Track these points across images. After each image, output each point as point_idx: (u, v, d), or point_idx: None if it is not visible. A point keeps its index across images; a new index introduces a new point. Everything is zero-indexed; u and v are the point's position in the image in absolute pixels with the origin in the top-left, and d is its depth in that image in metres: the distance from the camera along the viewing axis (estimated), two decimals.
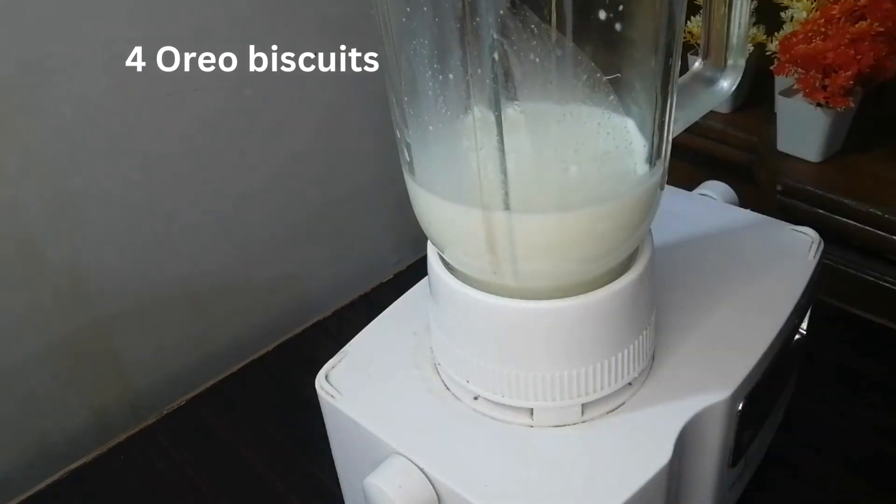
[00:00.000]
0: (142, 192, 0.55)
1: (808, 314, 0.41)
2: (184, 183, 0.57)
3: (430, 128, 0.28)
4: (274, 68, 0.59)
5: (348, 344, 0.37)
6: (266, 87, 0.59)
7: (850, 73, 0.63)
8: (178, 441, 0.51)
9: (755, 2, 0.57)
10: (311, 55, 0.61)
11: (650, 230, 0.32)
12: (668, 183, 0.32)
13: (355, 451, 0.35)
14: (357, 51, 0.64)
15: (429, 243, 0.33)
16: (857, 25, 0.64)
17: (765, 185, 0.73)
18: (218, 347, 0.63)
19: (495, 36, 0.24)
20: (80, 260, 0.53)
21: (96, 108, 0.50)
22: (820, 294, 0.42)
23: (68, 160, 0.50)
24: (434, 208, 0.29)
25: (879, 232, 0.64)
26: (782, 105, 0.71)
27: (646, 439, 0.31)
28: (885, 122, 0.75)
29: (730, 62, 0.35)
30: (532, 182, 0.26)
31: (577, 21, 0.24)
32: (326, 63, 0.62)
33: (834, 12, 0.65)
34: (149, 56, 0.52)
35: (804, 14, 0.69)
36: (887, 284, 0.66)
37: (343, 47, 0.63)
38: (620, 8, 0.24)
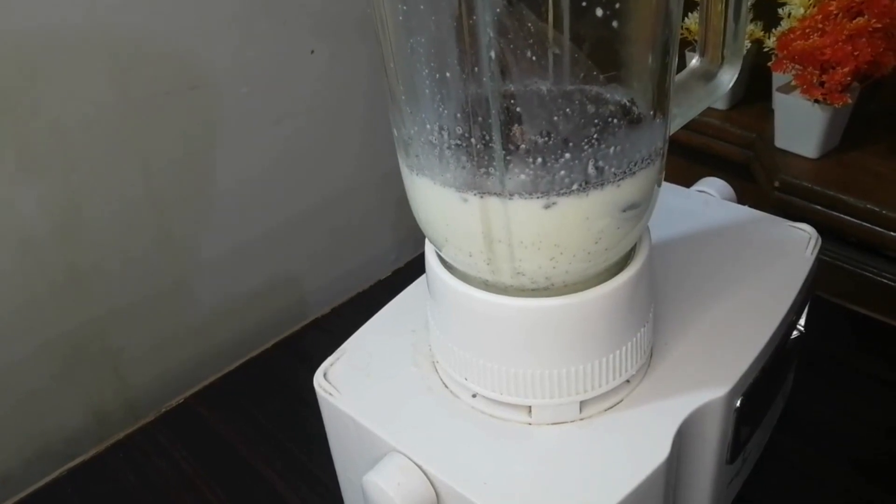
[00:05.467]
0: (139, 190, 0.55)
1: (805, 310, 0.41)
2: (180, 180, 0.57)
3: (428, 125, 0.28)
4: (271, 66, 0.59)
5: (347, 342, 0.37)
6: (263, 84, 0.59)
7: (847, 69, 0.63)
8: (177, 439, 0.51)
9: None
10: (308, 52, 0.61)
11: (648, 227, 0.32)
12: (665, 179, 0.32)
13: (354, 448, 0.35)
14: (353, 48, 0.64)
15: (426, 241, 0.33)
16: (854, 22, 0.64)
17: (762, 181, 0.73)
18: (216, 345, 0.63)
19: (492, 34, 0.24)
20: (78, 258, 0.53)
21: (94, 107, 0.50)
22: (817, 290, 0.42)
23: (66, 158, 0.50)
24: (432, 204, 0.29)
25: (877, 228, 0.64)
26: (780, 101, 0.71)
27: (644, 436, 0.31)
28: (882, 119, 0.75)
29: (727, 59, 0.35)
30: (528, 170, 0.26)
31: (574, 19, 0.24)
32: (323, 61, 0.62)
33: (831, 8, 0.65)
34: (146, 54, 0.52)
35: (802, 10, 0.69)
36: (885, 280, 0.66)
37: (339, 45, 0.63)
38: (617, 5, 0.24)
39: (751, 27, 0.74)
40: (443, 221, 0.29)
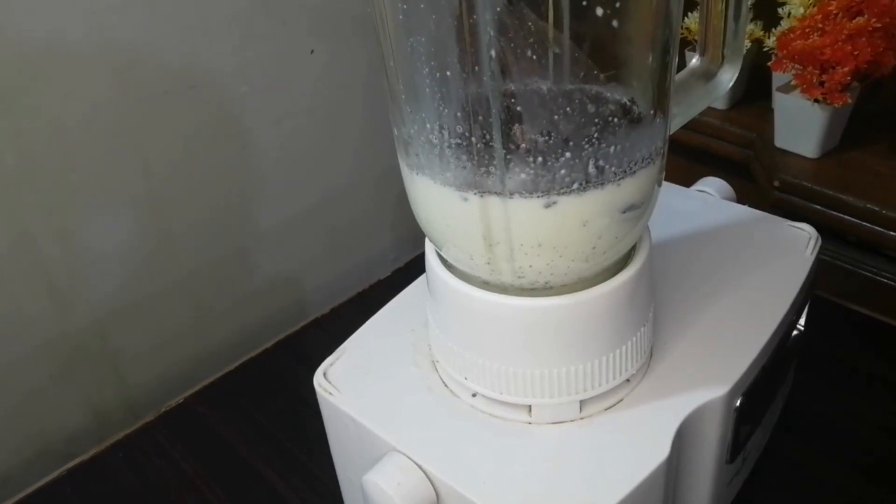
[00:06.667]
0: (138, 189, 0.55)
1: (805, 310, 0.41)
2: (180, 180, 0.57)
3: (428, 124, 0.28)
4: (271, 66, 0.59)
5: (346, 341, 0.37)
6: (262, 84, 0.59)
7: (847, 69, 0.63)
8: (176, 439, 0.51)
9: None
10: (308, 52, 0.61)
11: (648, 227, 0.32)
12: (665, 179, 0.32)
13: (354, 448, 0.35)
14: (353, 48, 0.64)
15: (427, 240, 0.33)
16: (854, 21, 0.64)
17: (762, 181, 0.73)
18: (216, 345, 0.63)
19: (492, 33, 0.24)
20: (78, 257, 0.53)
21: (93, 107, 0.50)
22: (817, 290, 0.42)
23: (66, 158, 0.50)
24: (432, 203, 0.29)
25: (876, 228, 0.64)
26: (780, 101, 0.71)
27: (644, 436, 0.31)
28: (882, 118, 0.75)
29: (727, 58, 0.35)
30: (529, 169, 0.26)
31: (574, 18, 0.24)
32: (323, 60, 0.62)
33: (831, 8, 0.65)
34: (145, 53, 0.52)
35: (801, 10, 0.69)
36: (884, 280, 0.66)
37: (339, 44, 0.63)
38: (617, 5, 0.24)
39: (751, 27, 0.74)
40: (443, 221, 0.29)
